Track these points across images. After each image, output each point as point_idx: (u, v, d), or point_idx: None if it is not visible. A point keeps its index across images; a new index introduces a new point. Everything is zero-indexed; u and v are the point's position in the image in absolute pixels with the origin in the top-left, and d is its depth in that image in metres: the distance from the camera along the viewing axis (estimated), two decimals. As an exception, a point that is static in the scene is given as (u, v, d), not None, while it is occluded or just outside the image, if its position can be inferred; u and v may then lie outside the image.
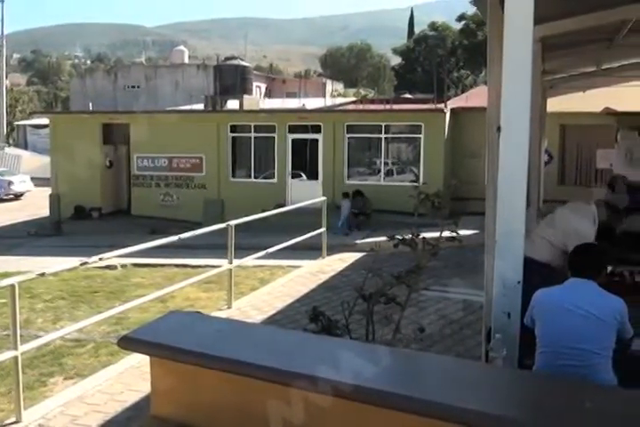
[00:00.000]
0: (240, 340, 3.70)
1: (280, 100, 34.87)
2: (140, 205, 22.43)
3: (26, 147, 46.81)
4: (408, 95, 36.99)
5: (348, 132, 20.31)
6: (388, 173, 20.50)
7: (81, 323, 6.70)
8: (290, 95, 40.91)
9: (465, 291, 8.91)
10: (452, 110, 19.92)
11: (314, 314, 4.78)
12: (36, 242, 19.55)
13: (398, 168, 20.72)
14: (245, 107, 25.42)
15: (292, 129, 20.83)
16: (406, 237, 4.98)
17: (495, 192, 3.77)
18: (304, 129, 20.91)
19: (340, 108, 27.88)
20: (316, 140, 20.54)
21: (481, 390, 3.03)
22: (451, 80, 49.51)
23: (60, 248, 17.17)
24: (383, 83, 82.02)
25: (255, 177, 21.49)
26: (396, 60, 75.86)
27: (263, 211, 11.37)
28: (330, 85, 58.03)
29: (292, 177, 20.90)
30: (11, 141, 51.74)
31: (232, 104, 25.87)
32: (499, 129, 3.69)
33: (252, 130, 21.40)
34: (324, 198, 12.60)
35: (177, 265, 12.67)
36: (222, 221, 9.40)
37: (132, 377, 6.20)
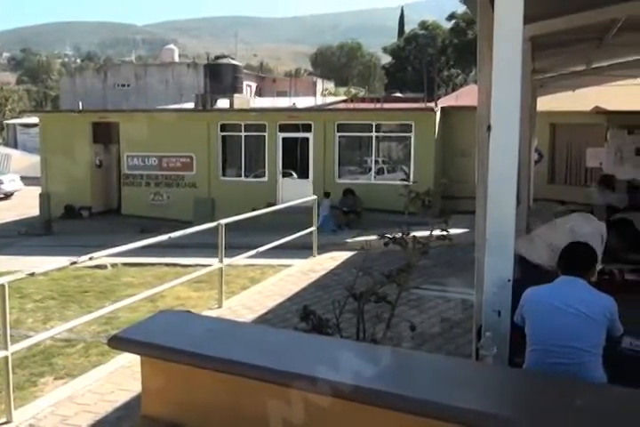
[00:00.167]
0: (231, 339, 3.69)
1: (270, 99, 34.73)
2: (130, 204, 22.33)
3: (15, 146, 46.50)
4: (398, 94, 37.03)
5: (338, 131, 20.28)
6: (379, 172, 20.49)
7: (71, 323, 6.69)
8: (280, 94, 40.74)
9: (455, 289, 8.92)
10: (443, 109, 19.96)
11: (305, 313, 4.79)
12: (26, 241, 19.48)
13: (389, 167, 20.76)
14: (236, 106, 25.31)
15: (283, 128, 20.78)
16: (397, 235, 4.99)
17: (485, 191, 3.78)
18: (295, 128, 20.86)
19: (331, 106, 27.82)
20: (307, 139, 20.52)
21: (474, 389, 3.03)
22: (441, 79, 49.65)
23: (50, 248, 17.11)
24: (374, 81, 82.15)
25: (246, 176, 21.44)
26: (386, 59, 75.99)
27: (254, 210, 11.34)
28: (320, 84, 57.93)
29: (283, 176, 20.86)
30: (0, 140, 51.49)
31: (222, 103, 25.75)
32: (489, 128, 3.70)
33: (243, 129, 21.34)
34: (315, 197, 12.60)
35: (167, 264, 12.65)
36: (213, 221, 9.36)
37: (122, 377, 6.19)
